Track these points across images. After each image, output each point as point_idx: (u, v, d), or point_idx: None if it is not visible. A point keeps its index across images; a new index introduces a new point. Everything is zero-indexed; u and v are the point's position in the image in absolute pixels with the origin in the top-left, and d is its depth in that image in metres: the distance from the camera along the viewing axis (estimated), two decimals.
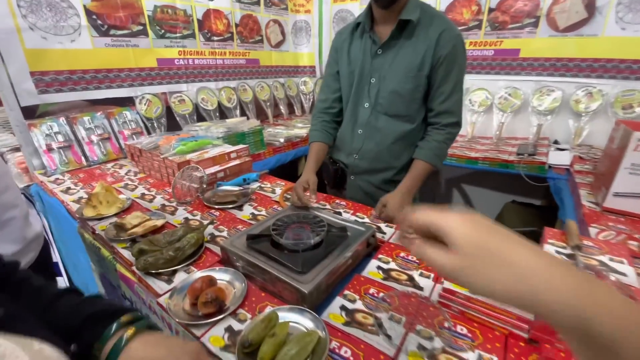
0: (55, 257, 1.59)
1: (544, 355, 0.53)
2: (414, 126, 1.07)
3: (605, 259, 0.68)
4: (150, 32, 1.79)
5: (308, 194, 1.04)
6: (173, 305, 0.67)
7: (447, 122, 1.03)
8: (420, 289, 0.73)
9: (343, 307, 0.67)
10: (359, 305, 0.68)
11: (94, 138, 1.63)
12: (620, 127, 1.07)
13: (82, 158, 1.58)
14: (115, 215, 1.09)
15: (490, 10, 1.90)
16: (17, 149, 1.62)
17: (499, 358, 0.54)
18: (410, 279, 0.76)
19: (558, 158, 1.59)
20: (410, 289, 0.72)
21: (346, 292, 0.71)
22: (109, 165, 1.61)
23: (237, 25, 2.21)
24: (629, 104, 1.65)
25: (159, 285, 0.75)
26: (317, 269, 0.72)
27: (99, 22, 1.61)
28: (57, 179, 1.43)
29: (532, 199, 2.00)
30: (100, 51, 1.64)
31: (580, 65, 1.76)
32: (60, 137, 1.54)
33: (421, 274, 0.77)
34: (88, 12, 1.56)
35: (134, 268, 0.81)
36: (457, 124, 1.04)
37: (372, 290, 0.72)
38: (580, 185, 1.26)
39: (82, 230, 1.09)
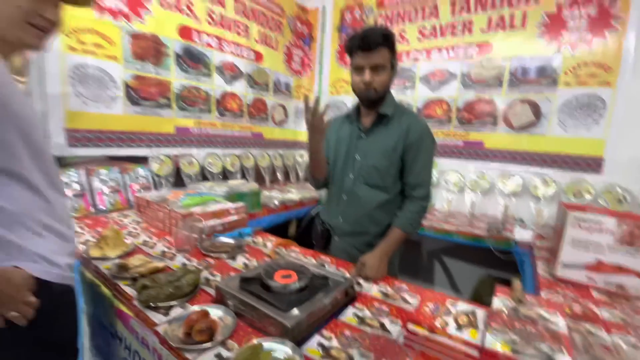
0: None
1: None
2: (389, 197, 1.27)
3: (542, 311, 0.81)
4: (174, 105, 2.11)
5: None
6: (170, 331, 0.75)
7: (418, 195, 1.23)
8: (389, 332, 0.83)
9: (320, 344, 0.76)
10: (334, 343, 0.77)
11: (106, 189, 1.80)
12: (561, 208, 1.29)
13: (91, 206, 1.72)
14: (119, 257, 1.19)
15: (458, 109, 2.31)
16: None
17: None
18: (382, 325, 0.86)
19: (522, 235, 1.78)
20: (380, 333, 0.82)
21: (324, 332, 0.81)
22: (115, 214, 1.73)
23: (248, 106, 2.59)
24: (579, 191, 1.92)
25: (157, 318, 0.84)
26: (300, 308, 0.83)
27: (134, 94, 1.93)
28: None
29: (505, 273, 2.12)
30: (128, 117, 1.92)
31: (534, 157, 2.09)
32: (76, 186, 1.70)
33: (391, 321, 0.88)
34: (126, 86, 1.89)
35: (135, 302, 0.90)
36: (427, 196, 1.24)
37: (346, 332, 0.81)
38: (538, 259, 1.43)
39: (82, 269, 1.18)
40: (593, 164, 1.91)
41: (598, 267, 1.11)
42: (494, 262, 1.83)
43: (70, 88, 1.68)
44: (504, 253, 1.71)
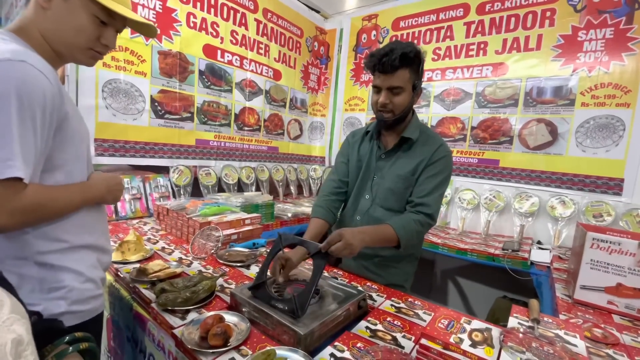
0: None
1: None
2: None
3: (560, 332, 0.79)
4: (195, 118, 2.21)
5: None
6: (187, 333, 0.77)
7: (422, 211, 1.14)
8: (402, 347, 0.82)
9: (332, 355, 0.77)
10: (346, 354, 0.77)
11: (128, 197, 1.87)
12: (579, 229, 1.27)
13: (113, 212, 1.79)
14: (138, 262, 1.23)
15: (472, 128, 2.31)
16: None
17: None
18: (394, 339, 0.86)
19: (539, 256, 1.74)
20: (393, 347, 0.81)
21: (336, 343, 0.81)
22: (135, 221, 1.80)
23: (265, 121, 2.68)
24: (599, 213, 1.87)
25: (174, 321, 0.86)
26: (312, 318, 0.83)
27: (159, 108, 2.03)
28: None
29: (522, 296, 2.05)
30: (153, 129, 2.02)
31: (551, 177, 2.06)
32: None
33: (404, 336, 0.87)
34: (152, 100, 1.99)
35: (153, 305, 0.92)
36: (431, 217, 1.14)
37: (359, 344, 0.82)
38: (557, 280, 1.39)
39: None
40: (613, 186, 1.87)
41: (618, 290, 1.08)
42: (511, 284, 1.79)
43: (101, 101, 1.79)
44: (520, 274, 1.67)
